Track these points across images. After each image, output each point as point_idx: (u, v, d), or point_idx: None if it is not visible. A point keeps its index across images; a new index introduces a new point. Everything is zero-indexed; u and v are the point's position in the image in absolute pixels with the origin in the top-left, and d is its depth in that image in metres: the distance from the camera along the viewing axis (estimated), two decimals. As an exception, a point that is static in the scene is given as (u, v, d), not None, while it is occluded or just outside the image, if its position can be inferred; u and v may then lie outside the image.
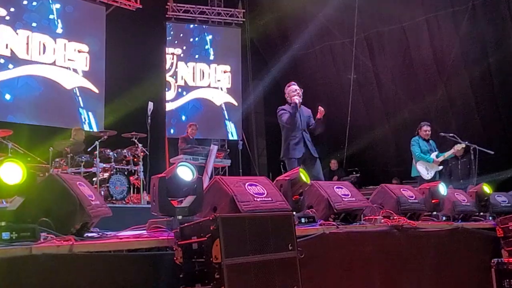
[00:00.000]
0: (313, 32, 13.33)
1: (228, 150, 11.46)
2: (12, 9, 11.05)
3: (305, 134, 6.68)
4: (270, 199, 3.61)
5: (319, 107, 6.65)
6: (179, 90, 14.24)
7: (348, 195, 4.50)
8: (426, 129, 8.81)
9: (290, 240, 3.01)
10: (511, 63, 10.91)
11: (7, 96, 10.82)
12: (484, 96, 11.55)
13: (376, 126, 13.06)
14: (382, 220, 4.56)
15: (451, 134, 8.85)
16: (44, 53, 11.45)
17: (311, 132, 6.77)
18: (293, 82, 6.93)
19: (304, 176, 4.08)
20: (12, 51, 10.93)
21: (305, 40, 13.68)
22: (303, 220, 4.04)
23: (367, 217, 4.60)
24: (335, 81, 13.42)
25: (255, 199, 3.52)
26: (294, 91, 6.77)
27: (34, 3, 11.48)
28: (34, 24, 11.34)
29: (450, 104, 11.97)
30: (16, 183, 2.54)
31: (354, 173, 13.07)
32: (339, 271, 3.92)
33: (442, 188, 5.41)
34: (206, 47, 14.71)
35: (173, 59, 14.24)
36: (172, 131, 13.73)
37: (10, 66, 10.86)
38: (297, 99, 6.67)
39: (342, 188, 4.57)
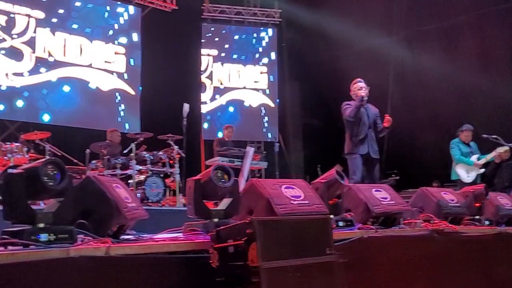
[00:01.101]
0: (352, 31, 13.23)
1: (265, 152, 11.48)
2: (50, 12, 11.31)
3: (370, 132, 6.70)
4: (307, 202, 3.60)
5: (386, 116, 6.71)
6: (215, 91, 14.33)
7: (387, 198, 4.45)
8: (467, 134, 8.67)
9: (328, 244, 2.99)
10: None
11: (45, 98, 11.06)
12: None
13: (416, 128, 12.88)
14: (422, 224, 4.49)
15: (494, 136, 8.65)
16: (81, 55, 11.68)
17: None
18: (359, 79, 6.96)
19: (341, 177, 4.05)
20: (50, 54, 11.17)
21: (344, 39, 13.59)
22: (340, 223, 4.01)
23: (406, 221, 4.54)
24: (375, 81, 13.27)
25: (292, 202, 3.51)
26: (359, 89, 6.79)
27: (77, 4, 11.72)
28: (74, 26, 11.58)
29: (495, 105, 11.71)
30: (56, 184, 2.59)
31: (393, 175, 12.91)
32: (378, 276, 3.87)
33: (486, 192, 5.30)
34: (242, 47, 14.77)
35: (208, 60, 14.34)
36: (207, 133, 13.82)
37: (47, 68, 11.11)
38: (363, 93, 6.67)
39: (380, 191, 4.52)
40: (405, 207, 4.63)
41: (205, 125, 13.99)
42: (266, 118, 14.72)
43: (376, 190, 4.51)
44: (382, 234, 3.98)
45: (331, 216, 3.58)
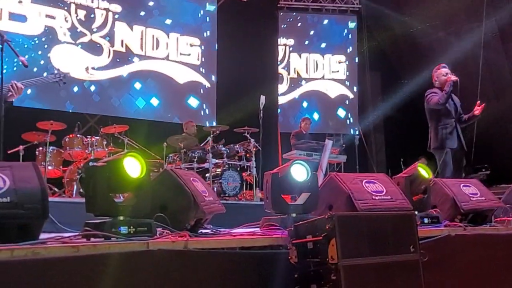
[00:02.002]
0: (436, 16, 12.85)
1: (344, 145, 11.37)
2: (127, 5, 11.67)
3: (457, 124, 6.52)
4: (389, 197, 3.55)
5: (477, 104, 6.51)
6: (292, 82, 14.34)
7: (476, 194, 4.32)
8: None
9: (412, 241, 2.94)
10: None
11: (123, 92, 11.44)
12: None
13: (508, 118, 12.36)
14: (516, 223, 4.33)
15: None
16: (157, 48, 11.99)
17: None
18: (443, 64, 6.75)
19: (425, 171, 3.97)
20: (127, 47, 11.54)
21: (428, 25, 13.21)
22: (426, 220, 3.94)
23: (498, 219, 4.39)
24: (461, 69, 12.84)
25: (373, 197, 3.48)
26: (444, 74, 6.58)
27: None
28: (148, 20, 11.91)
29: None
30: (136, 177, 2.69)
31: (483, 169, 12.45)
32: (466, 277, 3.77)
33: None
34: (320, 36, 14.68)
35: (285, 50, 14.36)
36: (284, 125, 13.85)
37: (125, 62, 11.48)
38: (454, 77, 6.45)
39: (469, 186, 4.39)
40: (497, 203, 4.48)
41: (282, 118, 14.02)
42: (345, 110, 14.58)
43: (464, 186, 4.39)
44: (471, 233, 3.87)
45: (416, 212, 3.51)
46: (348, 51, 14.73)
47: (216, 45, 12.73)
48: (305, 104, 14.32)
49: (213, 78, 12.64)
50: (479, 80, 11.89)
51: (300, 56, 14.48)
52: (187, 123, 10.02)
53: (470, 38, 12.64)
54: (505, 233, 4.10)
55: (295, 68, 14.42)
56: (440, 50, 13.29)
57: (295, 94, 14.33)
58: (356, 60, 14.70)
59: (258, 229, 3.43)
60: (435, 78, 6.66)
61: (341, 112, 14.57)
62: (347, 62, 14.70)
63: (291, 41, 14.43)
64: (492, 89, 12.66)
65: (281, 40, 14.32)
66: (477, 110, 6.51)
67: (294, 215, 3.29)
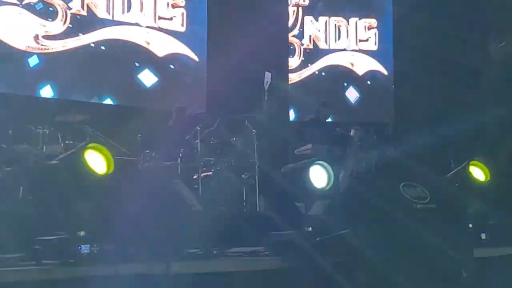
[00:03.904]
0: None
1: (375, 137, 11.35)
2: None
3: None
4: (434, 205, 3.56)
5: None
6: (307, 55, 14.30)
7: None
8: None
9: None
10: None
11: (82, 68, 11.39)
12: None
13: None
14: None
15: None
16: (128, 10, 11.94)
17: None
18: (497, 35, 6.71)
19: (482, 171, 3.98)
20: (89, 9, 11.49)
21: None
22: (483, 235, 3.94)
23: None
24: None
25: (414, 205, 3.47)
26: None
27: None
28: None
29: None
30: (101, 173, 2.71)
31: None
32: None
33: None
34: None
35: (298, 12, 14.32)
36: (297, 111, 13.81)
37: (85, 29, 11.43)
38: None
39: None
40: None
41: (293, 101, 13.99)
42: (377, 91, 14.55)
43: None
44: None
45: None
46: (381, 13, 14.70)
47: (206, 6, 12.67)
48: (324, 83, 14.29)
49: (203, 49, 12.60)
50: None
51: (317, 20, 14.44)
52: (177, 109, 9.92)
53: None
54: None
55: (310, 36, 14.38)
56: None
57: (311, 70, 14.31)
58: (392, 25, 14.66)
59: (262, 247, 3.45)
60: (492, 53, 6.59)
61: (371, 95, 14.54)
62: (379, 28, 14.66)
63: (305, 1, 14.38)
64: None
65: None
66: None
67: (309, 228, 3.31)
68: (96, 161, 2.71)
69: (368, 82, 14.60)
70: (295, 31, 14.28)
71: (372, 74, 14.63)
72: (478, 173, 4.01)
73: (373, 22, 14.69)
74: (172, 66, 12.36)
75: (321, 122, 10.71)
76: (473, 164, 4.03)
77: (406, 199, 3.46)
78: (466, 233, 3.38)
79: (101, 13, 11.60)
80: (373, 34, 14.70)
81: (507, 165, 6.17)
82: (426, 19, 14.17)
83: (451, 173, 4.11)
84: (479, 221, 4.07)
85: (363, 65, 14.61)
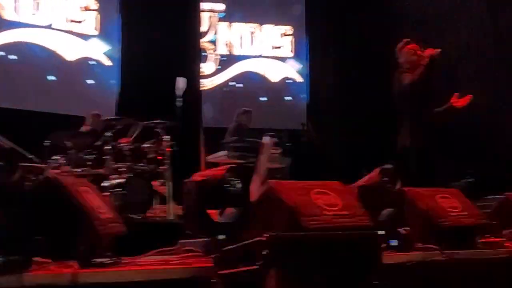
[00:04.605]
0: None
1: (289, 144, 11.46)
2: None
3: (433, 117, 6.66)
4: (346, 213, 3.60)
5: (456, 95, 6.64)
6: (221, 61, 14.33)
7: (457, 208, 4.44)
8: None
9: (375, 270, 3.00)
10: None
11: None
12: None
13: (500, 112, 12.75)
14: (506, 244, 4.47)
15: None
16: (37, 12, 11.73)
17: None
18: (408, 40, 6.85)
19: (392, 178, 4.05)
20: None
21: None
22: (393, 242, 4.02)
23: (485, 240, 4.53)
24: (441, 46, 13.18)
25: (326, 212, 3.51)
26: (414, 53, 6.68)
27: None
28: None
29: None
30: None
31: (466, 177, 12.83)
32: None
33: None
34: (258, 0, 14.75)
35: (211, 18, 14.33)
36: (210, 118, 13.81)
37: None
38: (432, 51, 6.54)
39: (448, 198, 4.51)
40: (483, 220, 4.62)
41: (207, 108, 13.98)
42: (291, 98, 14.70)
43: (442, 197, 4.50)
44: (451, 258, 3.97)
45: (380, 232, 3.58)
46: (295, 20, 14.85)
47: (120, 9, 12.56)
48: (238, 90, 14.33)
49: (115, 54, 12.49)
50: (461, 64, 12.27)
51: (231, 26, 14.49)
52: (94, 116, 9.83)
53: (455, 7, 13.01)
54: (492, 257, 4.24)
55: (225, 42, 14.42)
56: (416, 21, 13.58)
57: (225, 76, 14.33)
58: (306, 32, 14.84)
59: (174, 256, 3.41)
60: (402, 57, 6.75)
61: (285, 101, 14.68)
62: (294, 35, 14.82)
63: (220, 6, 14.41)
64: (479, 76, 13.05)
65: (206, 5, 14.27)
66: (457, 102, 6.64)
67: (222, 237, 3.29)
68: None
69: (282, 89, 14.71)
70: (209, 37, 14.30)
71: (286, 81, 14.76)
72: (387, 181, 4.08)
73: (288, 29, 14.83)
74: (82, 70, 12.19)
75: (245, 130, 10.78)
76: (382, 173, 4.09)
77: (317, 206, 3.48)
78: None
79: (9, 14, 11.36)
80: (288, 41, 14.84)
81: (415, 172, 6.36)
82: (340, 27, 14.43)
83: (361, 181, 4.18)
84: (390, 228, 4.16)
85: (278, 71, 14.73)
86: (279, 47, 14.77)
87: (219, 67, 14.31)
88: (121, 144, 8.91)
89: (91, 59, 12.33)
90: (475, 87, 12.79)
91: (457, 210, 4.41)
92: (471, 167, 12.90)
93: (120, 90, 12.31)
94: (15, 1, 11.45)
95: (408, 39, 6.83)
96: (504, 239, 4.56)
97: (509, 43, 12.62)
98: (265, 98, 14.47)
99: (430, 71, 6.47)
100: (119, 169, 8.72)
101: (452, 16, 13.07)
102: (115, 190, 8.40)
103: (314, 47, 14.84)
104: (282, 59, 14.79)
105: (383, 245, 3.74)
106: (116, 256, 3.39)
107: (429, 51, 6.48)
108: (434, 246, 4.09)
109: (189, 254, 3.33)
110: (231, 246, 2.90)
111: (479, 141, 12.77)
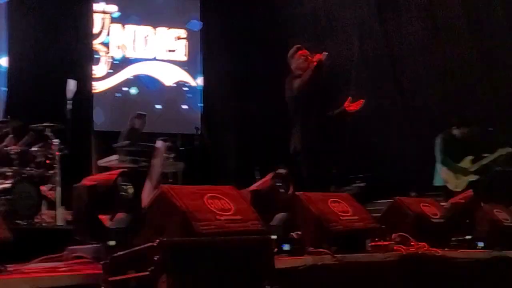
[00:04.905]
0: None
1: (182, 148, 11.44)
2: None
3: (325, 121, 6.73)
4: (239, 217, 3.61)
5: (350, 99, 6.73)
6: (113, 64, 14.15)
7: (348, 212, 4.52)
8: (463, 129, 8.84)
9: (267, 274, 3.02)
10: None
11: None
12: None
13: (388, 117, 13.10)
14: (395, 247, 4.59)
15: (491, 130, 8.92)
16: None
17: None
18: (298, 46, 6.91)
19: (284, 182, 4.09)
20: None
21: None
22: (285, 247, 4.05)
23: (374, 243, 4.64)
24: (333, 51, 13.45)
25: (218, 217, 3.51)
26: (305, 59, 6.73)
27: None
28: None
29: (494, 92, 12.02)
30: None
31: (357, 181, 13.12)
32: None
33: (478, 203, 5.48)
34: (152, 2, 14.66)
35: (104, 19, 14.14)
36: (102, 122, 13.63)
37: None
38: (321, 56, 6.59)
39: (340, 202, 4.59)
40: (373, 224, 4.73)
41: (99, 111, 13.78)
42: (184, 102, 14.67)
43: (333, 201, 4.58)
44: (342, 261, 4.04)
45: (272, 236, 3.61)
46: (190, 24, 14.84)
47: (6, 8, 12.24)
48: (131, 93, 14.19)
49: (3, 55, 12.16)
50: (353, 68, 12.54)
51: (124, 28, 14.33)
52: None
53: (344, 16, 13.28)
54: (382, 261, 4.35)
55: (117, 45, 14.24)
56: (307, 27, 13.79)
57: (118, 79, 14.16)
58: (200, 36, 14.85)
59: (62, 263, 3.34)
60: (293, 65, 6.83)
61: (180, 105, 14.64)
62: (188, 39, 14.80)
63: (112, 7, 14.23)
64: (370, 80, 13.36)
65: (99, 6, 14.07)
66: (350, 106, 6.78)
67: (112, 243, 3.24)
68: None
69: (176, 93, 14.67)
70: (102, 39, 14.09)
71: (180, 84, 14.72)
72: (280, 186, 4.11)
73: (182, 32, 14.80)
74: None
75: (138, 134, 10.68)
76: (275, 177, 4.12)
77: (210, 211, 3.48)
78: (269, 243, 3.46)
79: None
80: (182, 44, 14.81)
81: (307, 176, 6.46)
82: (235, 32, 14.52)
83: (255, 185, 4.20)
84: (283, 232, 4.20)
85: (172, 75, 14.67)
86: (173, 51, 14.72)
87: (111, 70, 14.12)
88: (7, 148, 8.67)
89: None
90: (367, 92, 13.18)
91: (348, 214, 4.50)
92: (362, 172, 13.23)
93: (8, 93, 11.98)
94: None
95: (299, 45, 6.92)
96: (393, 242, 4.68)
97: (397, 49, 13.00)
98: (158, 102, 14.38)
99: (318, 75, 6.57)
100: (5, 174, 8.48)
101: (345, 22, 13.33)
102: (0, 195, 8.17)
103: (209, 51, 14.87)
104: (177, 63, 14.74)
105: (276, 250, 3.77)
106: (1, 264, 3.29)
107: (317, 56, 6.59)
108: (326, 250, 4.15)
109: (78, 260, 3.27)
110: (122, 252, 2.86)
111: (370, 146, 13.09)
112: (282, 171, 4.35)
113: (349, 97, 6.83)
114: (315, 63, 6.55)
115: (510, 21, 11.49)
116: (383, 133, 13.21)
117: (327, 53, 6.62)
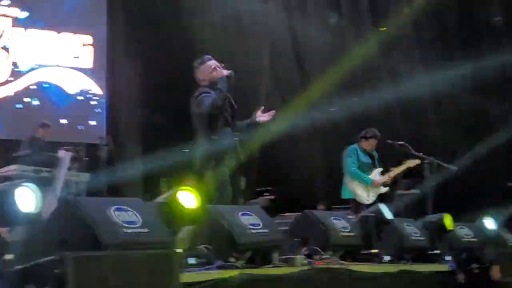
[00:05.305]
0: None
1: (87, 158, 11.25)
2: None
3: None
4: (146, 230, 3.57)
5: (259, 110, 6.69)
6: (14, 69, 13.83)
7: (257, 225, 4.52)
8: (371, 141, 8.97)
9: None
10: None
11: None
12: (447, 94, 12.02)
13: (296, 128, 13.20)
14: (305, 261, 4.62)
15: (401, 143, 9.08)
16: None
17: None
18: (207, 56, 6.84)
19: (191, 197, 4.06)
20: None
21: (203, 4, 13.70)
22: (192, 260, 4.02)
23: (283, 257, 4.65)
24: (242, 61, 13.52)
25: (125, 230, 3.46)
26: (213, 69, 6.67)
27: None
28: None
29: (399, 102, 12.30)
30: None
31: (266, 194, 13.18)
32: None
33: (385, 215, 5.58)
34: (56, 6, 14.40)
35: (4, 23, 13.81)
36: (2, 129, 13.29)
37: None
38: (226, 72, 6.54)
39: (249, 215, 4.59)
40: (282, 237, 4.75)
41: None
42: (89, 110, 14.45)
43: (243, 214, 4.57)
44: (250, 274, 4.04)
45: (179, 250, 3.57)
46: (96, 30, 14.65)
47: None
48: (33, 100, 13.89)
49: None
50: (263, 79, 12.63)
51: (25, 32, 14.02)
52: None
53: (255, 21, 13.36)
54: (290, 275, 4.36)
55: (18, 50, 13.92)
56: (219, 35, 13.81)
57: (19, 85, 13.83)
58: (107, 43, 14.68)
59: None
60: (199, 75, 6.77)
61: (85, 114, 14.41)
62: (94, 45, 14.60)
63: (14, 11, 13.91)
64: (279, 91, 13.47)
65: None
66: (261, 117, 6.75)
67: (10, 256, 3.14)
68: None
69: (81, 101, 14.43)
70: (2, 43, 13.75)
71: (84, 92, 14.49)
72: (187, 198, 4.07)
73: (88, 38, 14.58)
74: None
75: (34, 142, 10.44)
76: (183, 190, 4.08)
77: (116, 224, 3.42)
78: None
79: None
80: (88, 51, 14.59)
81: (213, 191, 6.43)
82: (142, 39, 14.43)
83: (161, 197, 4.15)
84: (191, 246, 4.17)
85: (76, 83, 14.42)
86: (78, 57, 14.49)
87: (11, 78, 13.77)
88: None
89: None
90: (277, 103, 13.29)
91: (258, 228, 4.50)
92: (270, 185, 13.33)
93: None
94: None
95: (209, 55, 6.87)
96: (302, 256, 4.70)
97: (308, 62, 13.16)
98: (62, 111, 14.11)
99: (225, 93, 6.54)
100: None
101: (254, 31, 13.41)
102: None
103: (115, 58, 14.71)
104: (82, 70, 14.51)
105: (183, 263, 3.74)
106: None
107: (225, 73, 6.55)
108: (234, 263, 4.15)
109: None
110: (21, 266, 2.77)
111: (279, 160, 13.20)
112: (189, 182, 4.33)
113: (260, 108, 6.80)
114: (222, 78, 6.52)
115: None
116: (295, 148, 13.34)
117: (232, 72, 6.60)
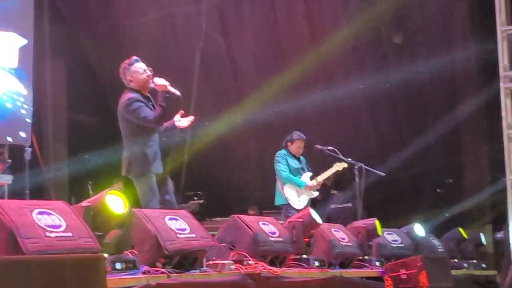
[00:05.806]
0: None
1: (10, 160, 11.07)
2: None
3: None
4: (70, 234, 3.54)
5: (181, 113, 6.61)
6: None
7: (185, 230, 4.53)
8: (298, 145, 9.03)
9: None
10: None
11: None
12: (381, 98, 12.18)
13: (228, 131, 13.21)
14: (233, 266, 4.64)
15: (330, 148, 9.18)
16: None
17: None
18: (135, 57, 6.73)
19: (118, 200, 4.04)
20: None
21: (134, 4, 13.60)
22: (118, 266, 4.00)
23: (211, 262, 4.67)
24: (175, 63, 13.49)
25: (48, 234, 3.43)
26: (142, 72, 6.57)
27: None
28: None
29: (334, 106, 12.42)
30: None
31: (194, 198, 13.17)
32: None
33: (317, 220, 5.65)
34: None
35: None
36: None
37: None
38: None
39: (177, 219, 4.59)
40: (210, 242, 4.76)
41: None
42: (13, 110, 14.20)
43: (171, 219, 4.57)
44: (177, 280, 4.04)
45: (105, 254, 3.56)
46: (22, 27, 14.37)
47: None
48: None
49: None
50: (194, 82, 12.61)
51: None
52: None
53: (186, 27, 13.34)
54: (218, 280, 4.39)
55: None
56: (149, 39, 13.73)
57: None
58: (33, 41, 14.44)
59: None
60: (128, 77, 6.67)
61: (8, 114, 14.15)
62: (20, 44, 14.36)
63: None
64: (212, 96, 13.47)
65: None
66: (179, 122, 6.63)
67: None
68: None
69: (4, 102, 14.16)
70: None
71: (9, 93, 14.21)
72: (115, 202, 4.05)
73: (14, 36, 14.31)
74: None
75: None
76: (110, 193, 4.06)
77: (38, 227, 3.39)
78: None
79: None
80: (13, 49, 14.33)
81: (142, 195, 6.39)
82: (71, 40, 14.27)
83: (88, 201, 4.12)
84: (117, 251, 4.15)
85: (1, 82, 14.16)
86: (2, 56, 14.21)
87: None
88: None
89: None
90: (208, 107, 13.30)
91: (185, 232, 4.51)
92: (199, 189, 13.33)
93: None
94: None
95: (137, 57, 6.78)
96: (231, 261, 4.73)
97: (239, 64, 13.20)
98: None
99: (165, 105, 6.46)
100: None
101: (189, 33, 13.39)
102: None
103: (42, 58, 14.48)
104: (5, 69, 14.24)
105: (108, 268, 3.72)
106: None
107: (160, 86, 6.43)
108: (161, 269, 4.15)
109: None
110: None
111: (211, 164, 13.19)
112: (117, 186, 4.31)
113: (179, 112, 6.66)
114: (155, 84, 6.46)
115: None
116: (226, 151, 13.35)
117: (179, 95, 6.55)
